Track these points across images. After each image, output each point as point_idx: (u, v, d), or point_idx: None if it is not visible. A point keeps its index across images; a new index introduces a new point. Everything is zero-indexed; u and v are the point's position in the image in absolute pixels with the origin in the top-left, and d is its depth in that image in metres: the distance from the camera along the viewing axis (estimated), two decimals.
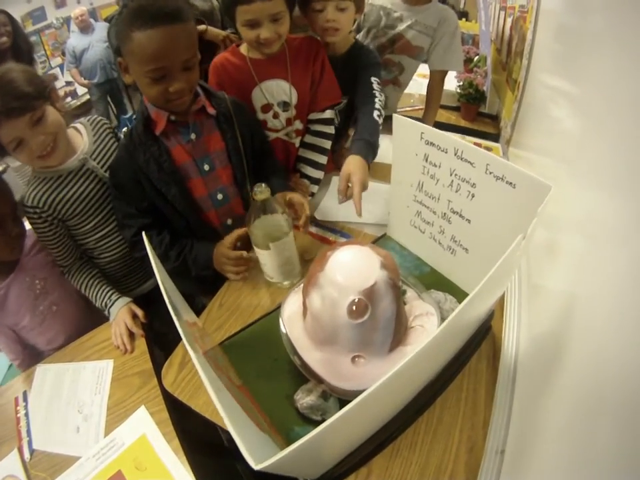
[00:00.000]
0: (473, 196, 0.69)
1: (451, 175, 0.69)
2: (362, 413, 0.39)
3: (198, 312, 0.93)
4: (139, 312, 1.04)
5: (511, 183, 0.62)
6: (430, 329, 0.60)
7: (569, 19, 0.78)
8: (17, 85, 0.90)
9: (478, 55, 2.12)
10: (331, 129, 1.20)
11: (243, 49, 1.11)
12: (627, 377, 0.35)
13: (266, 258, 0.87)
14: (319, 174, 1.21)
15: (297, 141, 1.23)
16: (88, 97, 4.70)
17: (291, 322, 0.63)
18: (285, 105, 1.15)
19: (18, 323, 1.12)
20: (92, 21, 4.40)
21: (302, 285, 0.67)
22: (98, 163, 1.04)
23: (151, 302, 1.17)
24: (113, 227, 1.09)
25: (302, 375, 0.62)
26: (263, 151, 1.10)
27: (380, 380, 0.34)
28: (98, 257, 1.14)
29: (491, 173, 0.64)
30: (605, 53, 0.56)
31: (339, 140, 1.33)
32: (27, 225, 1.06)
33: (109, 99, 4.55)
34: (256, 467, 0.31)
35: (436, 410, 0.67)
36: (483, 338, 0.72)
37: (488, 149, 1.45)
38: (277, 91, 1.13)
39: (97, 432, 0.93)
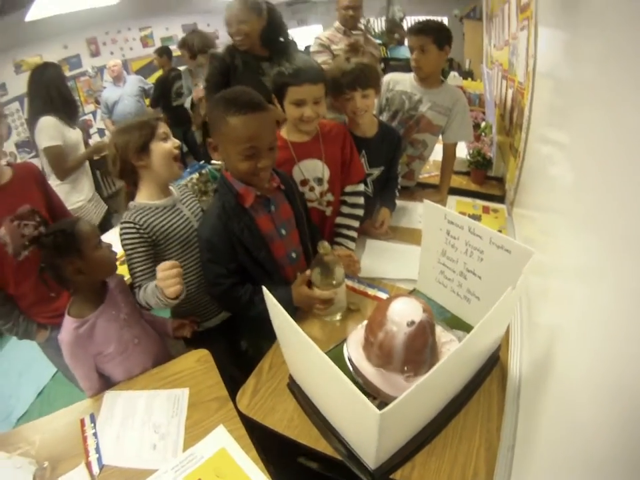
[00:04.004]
0: (482, 259, 1.01)
1: (465, 244, 1.03)
2: (416, 398, 0.68)
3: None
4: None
5: (507, 250, 0.95)
6: None
7: (560, 97, 1.04)
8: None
9: (484, 120, 2.53)
10: (362, 200, 1.56)
11: (283, 132, 1.44)
12: (606, 389, 0.51)
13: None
14: (353, 236, 1.55)
15: (327, 210, 1.56)
16: None
17: (353, 350, 0.94)
18: (319, 181, 1.48)
19: (102, 352, 1.27)
20: (124, 72, 4.81)
21: (359, 327, 0.99)
22: (185, 207, 1.38)
23: (229, 331, 1.50)
24: (190, 263, 1.36)
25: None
26: (307, 217, 1.42)
27: (423, 377, 0.64)
28: None
29: (493, 243, 0.97)
30: (591, 122, 0.75)
31: (371, 209, 1.69)
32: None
33: None
34: (380, 412, 0.58)
35: (460, 419, 0.94)
36: (494, 365, 1.02)
37: (495, 210, 1.81)
38: (312, 168, 1.46)
39: (175, 448, 1.04)
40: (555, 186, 0.99)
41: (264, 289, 0.84)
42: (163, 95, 4.59)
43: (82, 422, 1.17)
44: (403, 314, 0.81)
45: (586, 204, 0.73)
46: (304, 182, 1.47)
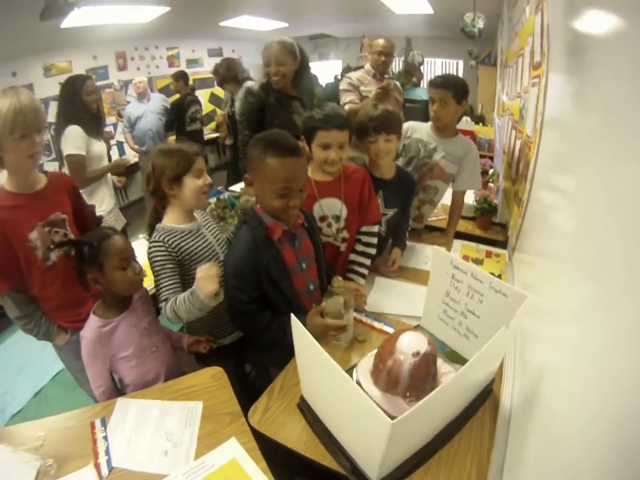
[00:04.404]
0: (481, 301, 1.15)
1: (468, 287, 1.17)
2: (421, 414, 0.79)
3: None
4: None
5: (504, 294, 1.09)
6: None
7: (562, 153, 1.13)
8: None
9: (492, 167, 2.69)
10: (375, 240, 1.71)
11: (308, 170, 1.54)
12: (590, 422, 0.58)
13: None
14: (365, 272, 1.69)
15: (342, 246, 1.69)
16: (135, 159, 5.13)
17: (362, 375, 1.07)
18: (337, 218, 1.63)
19: (119, 353, 1.35)
20: (149, 90, 4.96)
21: (369, 356, 1.12)
22: (208, 232, 1.51)
23: (237, 351, 1.61)
24: None
25: None
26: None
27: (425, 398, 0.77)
28: None
29: (492, 287, 1.11)
30: (589, 177, 0.83)
31: (382, 247, 1.84)
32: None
33: None
34: (392, 421, 0.70)
35: (454, 443, 1.04)
36: (487, 397, 1.14)
37: (497, 255, 1.94)
38: (332, 206, 1.61)
39: (186, 456, 1.07)
40: (554, 234, 1.10)
41: (292, 317, 0.96)
42: (178, 119, 4.72)
43: (92, 425, 1.20)
44: (410, 345, 0.95)
45: (580, 253, 0.81)
46: (323, 218, 1.62)
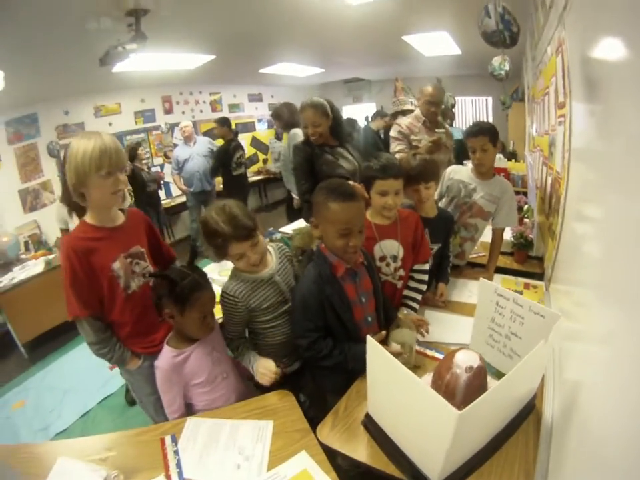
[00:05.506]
0: (522, 324, 1.33)
1: (510, 312, 1.36)
2: (480, 407, 0.93)
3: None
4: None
5: (542, 315, 1.26)
6: None
7: (590, 187, 1.22)
8: (240, 218, 1.42)
9: (527, 203, 2.84)
10: (426, 277, 1.90)
11: (368, 215, 1.77)
12: (621, 432, 0.66)
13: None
14: (416, 306, 1.88)
15: (398, 283, 1.86)
16: (182, 199, 5.53)
17: None
18: (394, 258, 1.81)
19: (192, 380, 1.46)
20: (194, 133, 5.27)
21: (426, 375, 1.29)
22: (280, 278, 1.60)
23: (294, 381, 1.70)
24: (279, 323, 1.61)
25: None
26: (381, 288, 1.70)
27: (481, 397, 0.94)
28: (262, 339, 1.66)
29: (531, 310, 1.29)
30: (617, 210, 0.88)
31: (429, 280, 2.00)
32: None
33: (202, 207, 5.20)
34: (459, 412, 0.87)
35: (502, 452, 1.17)
36: (530, 411, 1.29)
37: (535, 286, 2.08)
38: (390, 247, 1.79)
39: (259, 469, 1.15)
40: (585, 264, 1.19)
41: (368, 337, 1.13)
42: (223, 164, 4.97)
43: (162, 440, 1.27)
44: (465, 361, 1.14)
45: (609, 280, 0.90)
46: (382, 258, 1.80)
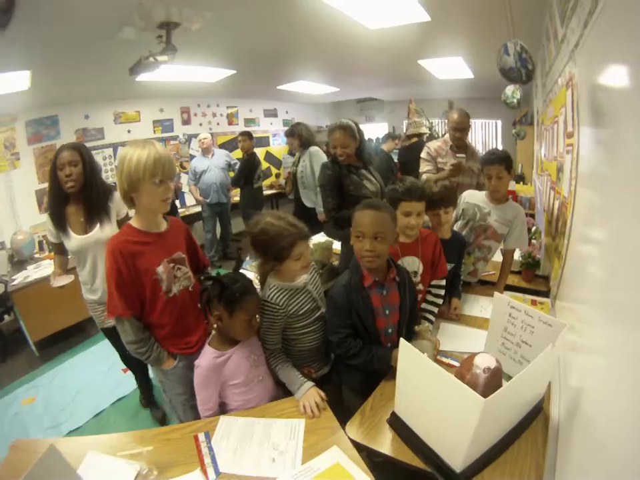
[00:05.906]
0: (532, 332, 1.50)
1: (521, 322, 1.53)
2: (502, 395, 1.07)
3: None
4: (322, 394, 1.52)
5: (549, 325, 1.43)
6: None
7: (594, 213, 1.32)
8: (298, 222, 1.58)
9: (534, 225, 2.97)
10: (442, 292, 2.06)
11: None
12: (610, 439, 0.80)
13: None
14: (433, 319, 2.03)
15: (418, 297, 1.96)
16: (197, 209, 5.60)
17: None
18: (415, 274, 1.95)
19: (230, 381, 1.51)
20: (212, 146, 5.37)
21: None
22: (312, 287, 1.72)
23: (327, 381, 1.82)
24: (312, 328, 1.71)
25: None
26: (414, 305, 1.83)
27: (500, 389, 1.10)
28: (295, 345, 1.74)
29: (540, 320, 1.46)
30: (620, 234, 0.95)
31: (444, 299, 2.16)
32: None
33: (217, 218, 5.41)
34: (485, 399, 1.01)
35: (515, 446, 1.29)
36: (538, 413, 1.44)
37: (541, 303, 2.22)
38: (411, 263, 1.94)
39: (293, 463, 1.19)
40: (589, 283, 1.30)
41: (401, 340, 1.26)
42: (247, 175, 5.09)
43: (196, 437, 1.31)
44: (484, 362, 1.31)
45: (610, 298, 0.98)
46: None
